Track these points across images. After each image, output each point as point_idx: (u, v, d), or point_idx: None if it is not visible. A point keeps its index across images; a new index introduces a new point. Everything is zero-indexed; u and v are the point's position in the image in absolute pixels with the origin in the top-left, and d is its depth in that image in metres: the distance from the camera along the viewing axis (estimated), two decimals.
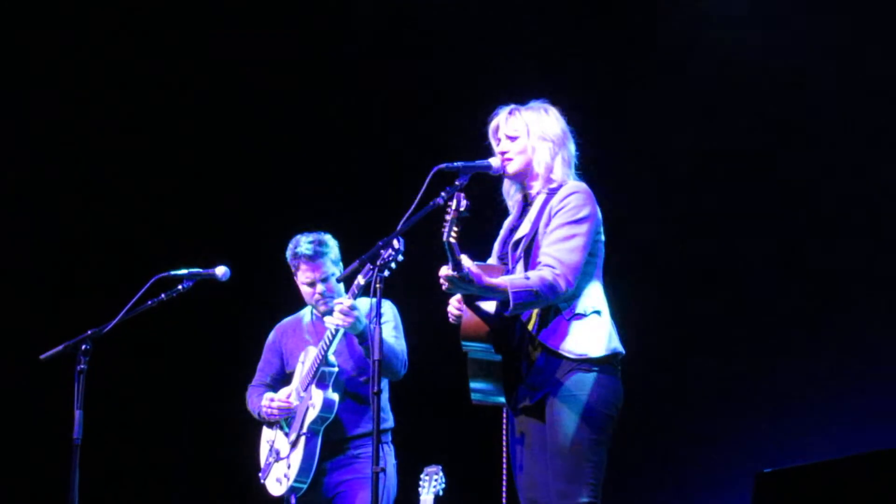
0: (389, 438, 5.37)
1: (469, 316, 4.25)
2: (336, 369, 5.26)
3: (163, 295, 5.00)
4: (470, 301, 4.24)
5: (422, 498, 5.35)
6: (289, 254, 5.39)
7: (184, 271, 5.05)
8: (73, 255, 7.80)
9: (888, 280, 6.21)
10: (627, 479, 6.28)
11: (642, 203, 6.56)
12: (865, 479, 5.42)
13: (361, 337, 5.10)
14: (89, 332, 4.89)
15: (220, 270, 5.11)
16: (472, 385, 4.30)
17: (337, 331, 5.12)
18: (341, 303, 5.04)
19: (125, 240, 7.79)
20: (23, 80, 7.73)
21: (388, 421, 5.37)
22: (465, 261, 4.08)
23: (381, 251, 4.21)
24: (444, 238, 4.01)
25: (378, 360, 4.14)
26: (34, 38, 7.73)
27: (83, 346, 4.85)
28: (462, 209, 4.01)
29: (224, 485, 7.35)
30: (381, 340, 4.16)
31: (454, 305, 4.30)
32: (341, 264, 5.38)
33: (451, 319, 4.34)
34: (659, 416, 6.41)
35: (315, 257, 5.31)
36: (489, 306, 4.24)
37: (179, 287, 5.05)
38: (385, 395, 5.39)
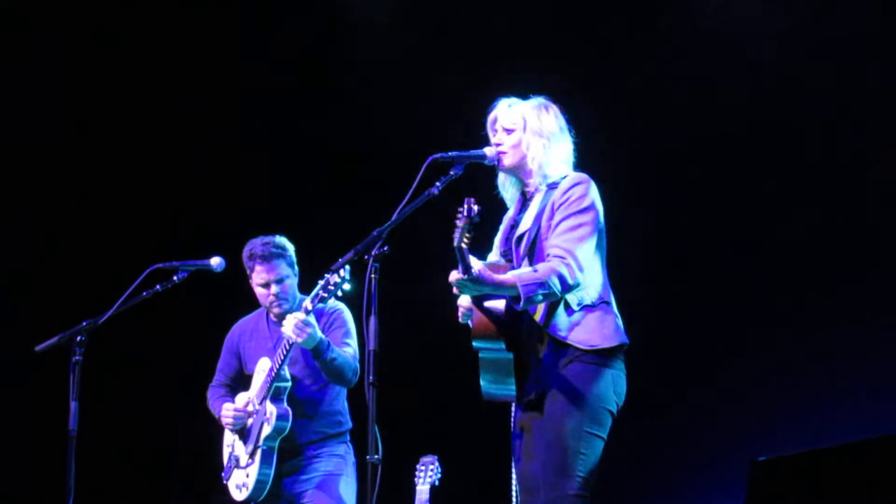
0: (348, 439, 5.42)
1: (479, 316, 4.25)
2: (289, 384, 5.29)
3: (158, 286, 5.01)
4: (478, 301, 4.24)
5: (418, 488, 5.35)
6: (244, 255, 5.39)
7: (179, 262, 5.06)
8: (69, 246, 7.79)
9: (881, 270, 6.22)
10: (622, 468, 6.29)
11: (636, 196, 6.55)
12: (861, 467, 5.43)
13: (315, 352, 5.11)
14: (84, 323, 4.90)
15: (215, 261, 5.12)
16: (484, 382, 4.30)
17: (291, 344, 5.13)
18: (296, 318, 5.05)
19: (120, 231, 7.79)
20: (21, 77, 7.73)
21: (346, 423, 5.41)
22: (475, 263, 4.08)
23: (377, 242, 4.20)
24: (455, 244, 4.01)
25: (373, 350, 4.14)
26: (34, 37, 7.73)
27: (78, 338, 4.86)
28: (473, 215, 4.00)
29: (218, 476, 7.35)
30: (376, 331, 4.16)
31: (463, 306, 4.30)
32: (297, 268, 5.40)
33: (459, 319, 4.34)
34: (653, 404, 6.42)
35: (270, 258, 5.32)
36: (498, 304, 4.24)
37: (174, 278, 5.06)
38: (342, 397, 5.43)
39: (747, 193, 6.56)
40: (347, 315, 5.35)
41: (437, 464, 5.41)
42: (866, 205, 6.28)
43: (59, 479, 4.86)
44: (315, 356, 5.13)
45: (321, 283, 4.81)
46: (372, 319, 4.15)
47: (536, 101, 4.44)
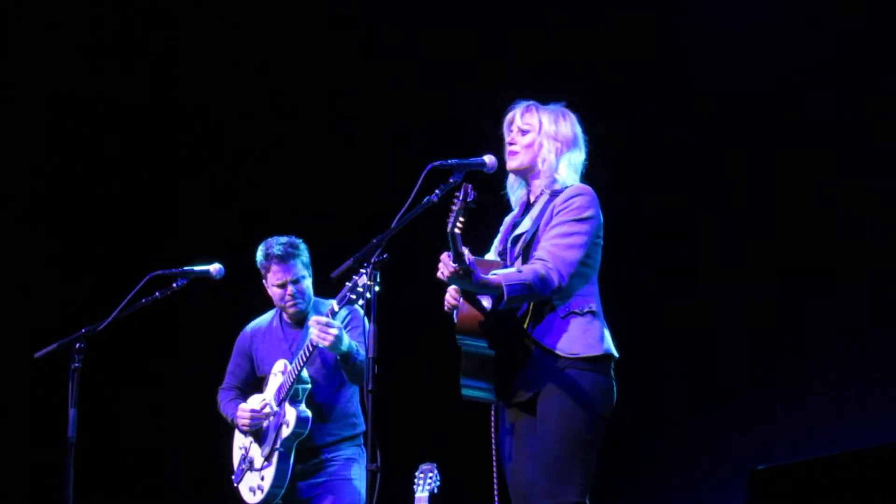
0: (362, 441, 5.42)
1: (466, 309, 4.26)
2: (309, 386, 5.29)
3: (157, 293, 5.00)
4: (467, 295, 4.25)
5: (417, 496, 5.35)
6: (260, 255, 5.42)
7: (178, 269, 5.06)
8: (68, 252, 7.79)
9: (883, 275, 6.21)
10: (620, 475, 6.28)
11: (635, 197, 6.55)
12: (860, 475, 5.43)
13: (345, 356, 5.11)
14: (84, 330, 4.89)
15: (215, 268, 5.11)
16: (464, 380, 4.31)
17: (313, 348, 5.13)
18: (319, 321, 5.04)
19: (120, 238, 7.79)
20: (18, 80, 7.73)
21: (361, 425, 5.41)
22: (468, 255, 4.09)
23: (377, 250, 4.21)
24: (449, 229, 4.03)
25: (372, 357, 4.14)
26: (31, 40, 7.75)
27: (77, 345, 4.85)
28: (470, 200, 4.01)
29: (218, 483, 7.34)
30: (374, 338, 4.16)
31: (452, 295, 4.31)
32: (311, 269, 5.41)
33: (445, 307, 4.35)
34: (652, 412, 6.42)
35: (287, 258, 5.35)
36: (485, 301, 4.26)
37: (174, 285, 5.05)
38: (356, 399, 5.44)
39: (745, 193, 6.55)
40: (363, 315, 5.37)
41: (436, 471, 5.41)
42: (866, 204, 6.28)
43: (57, 486, 4.86)
44: (344, 360, 5.13)
45: (349, 284, 4.81)
46: (371, 327, 4.15)
47: (555, 106, 4.47)
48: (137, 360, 7.68)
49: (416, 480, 5.39)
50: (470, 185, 4.04)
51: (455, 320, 4.29)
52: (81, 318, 5.10)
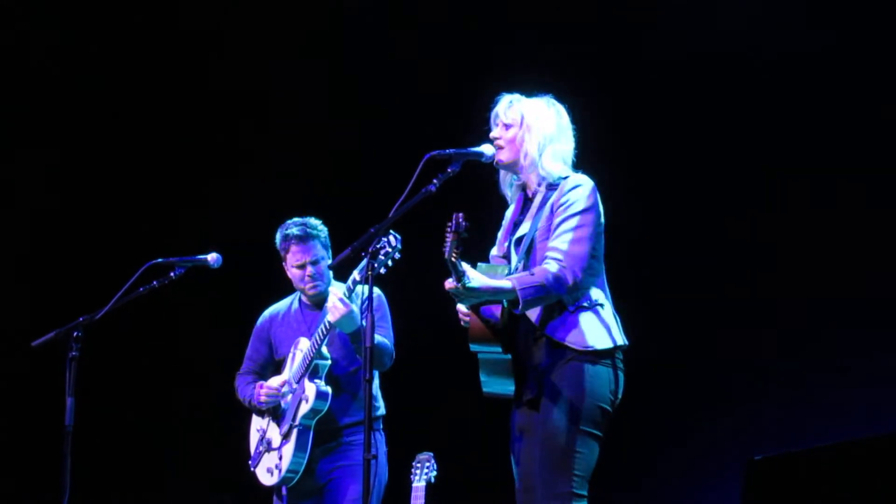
0: (381, 426, 5.37)
1: (475, 320, 4.26)
2: (329, 362, 5.27)
3: (154, 282, 5.00)
4: (475, 306, 4.25)
5: (414, 485, 5.36)
6: (279, 236, 5.40)
7: (176, 258, 5.05)
8: (66, 241, 7.79)
9: (882, 269, 6.22)
10: (619, 466, 6.28)
11: (637, 193, 6.55)
12: (857, 466, 5.44)
13: (354, 336, 5.10)
14: (81, 319, 4.89)
15: (212, 257, 5.11)
16: (483, 379, 4.33)
17: (329, 327, 5.12)
18: (336, 293, 5.05)
19: (118, 227, 7.79)
20: (20, 74, 7.73)
21: (380, 409, 5.39)
22: (469, 271, 4.09)
23: (374, 240, 4.21)
24: (446, 257, 4.01)
25: (371, 347, 4.15)
26: (31, 34, 7.75)
27: (75, 333, 4.85)
28: (461, 230, 4.01)
29: (216, 472, 7.36)
30: (373, 327, 4.16)
31: (463, 311, 4.31)
32: (330, 251, 5.40)
33: (462, 323, 4.35)
34: (649, 403, 6.42)
35: (306, 239, 5.33)
36: (495, 307, 4.25)
37: (171, 274, 5.05)
38: (376, 383, 5.39)
39: (746, 190, 6.56)
40: (383, 299, 5.36)
41: (432, 461, 5.42)
42: (866, 201, 6.28)
43: (54, 475, 4.86)
44: (353, 341, 5.12)
45: (370, 250, 4.78)
46: (369, 317, 4.15)
47: (539, 99, 4.43)
48: (135, 348, 7.69)
49: (413, 469, 5.41)
50: (462, 215, 4.01)
51: (468, 331, 4.30)
52: (79, 306, 5.10)
